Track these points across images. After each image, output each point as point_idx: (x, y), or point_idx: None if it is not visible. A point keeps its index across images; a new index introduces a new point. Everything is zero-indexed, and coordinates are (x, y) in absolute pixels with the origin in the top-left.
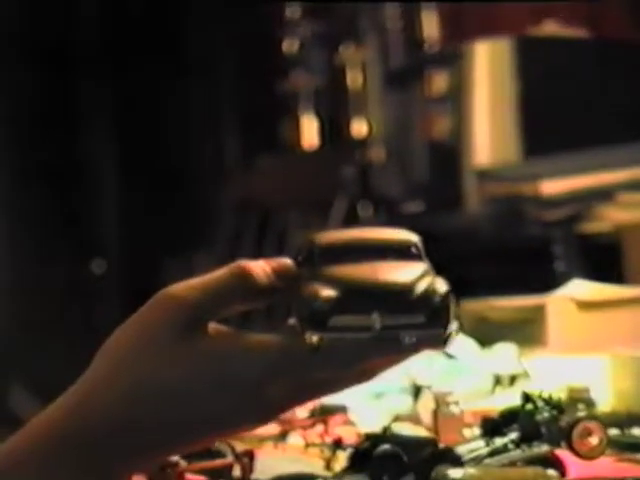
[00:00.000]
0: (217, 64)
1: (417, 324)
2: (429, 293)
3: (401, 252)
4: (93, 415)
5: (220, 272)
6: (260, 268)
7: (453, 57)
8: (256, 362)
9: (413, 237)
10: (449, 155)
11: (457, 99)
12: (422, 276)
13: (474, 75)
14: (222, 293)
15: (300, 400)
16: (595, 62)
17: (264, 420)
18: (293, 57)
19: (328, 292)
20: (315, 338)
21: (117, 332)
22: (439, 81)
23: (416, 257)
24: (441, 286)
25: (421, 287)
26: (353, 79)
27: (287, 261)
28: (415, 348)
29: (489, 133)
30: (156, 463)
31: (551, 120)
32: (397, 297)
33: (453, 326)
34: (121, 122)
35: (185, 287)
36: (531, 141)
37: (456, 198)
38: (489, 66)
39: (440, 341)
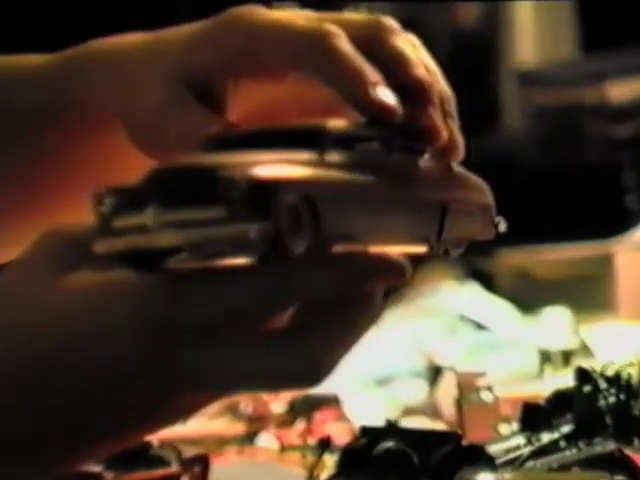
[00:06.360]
0: None
1: (214, 219)
2: (235, 178)
3: (300, 141)
4: None
5: None
6: None
7: None
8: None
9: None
10: (480, 51)
11: None
12: (263, 162)
13: None
14: None
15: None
16: None
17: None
18: None
19: (126, 185)
20: (100, 247)
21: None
22: None
23: (313, 145)
24: (265, 171)
25: (230, 172)
26: None
27: None
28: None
29: (534, 22)
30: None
31: (616, 5)
32: (188, 186)
33: (302, 234)
34: None
35: (74, 224)
36: (591, 32)
37: (491, 111)
38: None
39: (253, 245)
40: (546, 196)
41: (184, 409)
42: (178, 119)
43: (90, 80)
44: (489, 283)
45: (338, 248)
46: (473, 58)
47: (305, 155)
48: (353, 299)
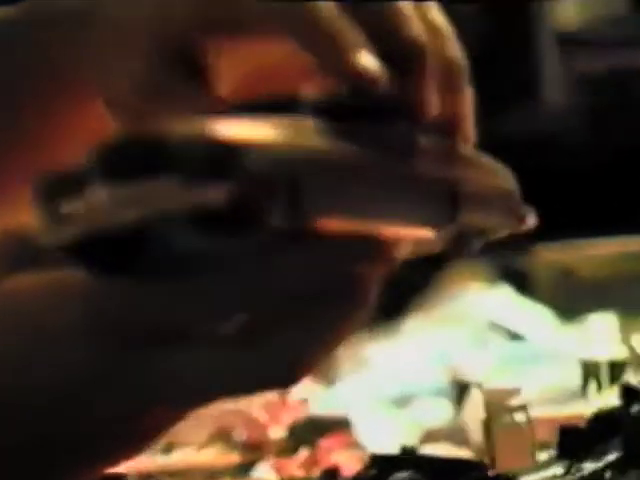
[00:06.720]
0: None
1: (169, 189)
2: (191, 140)
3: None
4: None
5: None
6: None
7: None
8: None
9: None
10: (514, 11)
11: None
12: (224, 122)
13: None
14: None
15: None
16: None
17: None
18: None
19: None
20: (46, 240)
21: None
22: None
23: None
24: (226, 130)
25: (185, 134)
26: None
27: None
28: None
29: None
30: None
31: None
32: (137, 156)
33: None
34: None
35: (24, 223)
36: None
37: (527, 81)
38: None
39: (217, 215)
40: (592, 181)
41: (157, 423)
42: (160, 101)
43: (70, 50)
44: (524, 284)
45: (323, 225)
46: (504, 19)
47: (277, 120)
48: (338, 289)
